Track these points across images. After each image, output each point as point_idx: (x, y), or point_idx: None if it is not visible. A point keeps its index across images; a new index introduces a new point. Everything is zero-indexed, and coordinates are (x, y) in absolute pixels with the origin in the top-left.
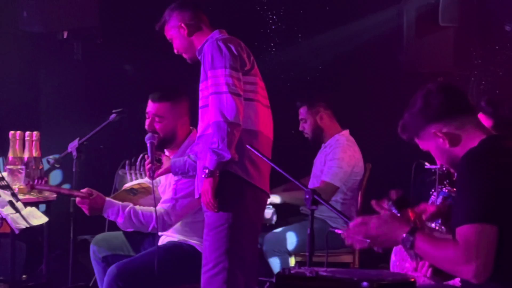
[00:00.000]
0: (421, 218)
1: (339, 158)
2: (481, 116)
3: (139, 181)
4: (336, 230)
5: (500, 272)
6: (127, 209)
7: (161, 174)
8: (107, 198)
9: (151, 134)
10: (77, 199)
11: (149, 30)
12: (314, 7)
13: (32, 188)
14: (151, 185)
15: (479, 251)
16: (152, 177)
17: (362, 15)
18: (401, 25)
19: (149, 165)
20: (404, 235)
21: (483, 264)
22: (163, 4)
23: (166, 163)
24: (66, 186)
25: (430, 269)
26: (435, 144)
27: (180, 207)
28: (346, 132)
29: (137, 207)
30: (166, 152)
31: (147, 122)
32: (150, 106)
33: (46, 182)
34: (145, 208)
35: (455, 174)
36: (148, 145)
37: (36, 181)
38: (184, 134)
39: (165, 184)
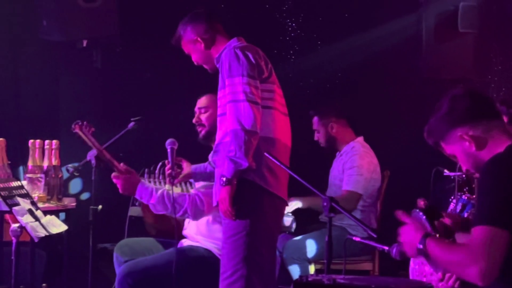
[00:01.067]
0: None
1: (358, 166)
2: None
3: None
4: (354, 238)
5: (507, 278)
6: (160, 190)
7: (181, 180)
8: (142, 180)
9: (172, 140)
10: (113, 174)
11: (168, 38)
12: (333, 15)
13: (80, 129)
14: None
15: (486, 252)
16: (172, 183)
17: (381, 22)
18: (420, 32)
19: (169, 170)
20: (419, 238)
21: (489, 266)
22: (182, 13)
23: (186, 169)
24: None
25: (457, 282)
26: (461, 147)
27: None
28: (360, 139)
29: (171, 191)
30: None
31: (194, 119)
32: (197, 104)
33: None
34: (179, 192)
35: (475, 180)
36: (168, 150)
37: (76, 126)
38: None
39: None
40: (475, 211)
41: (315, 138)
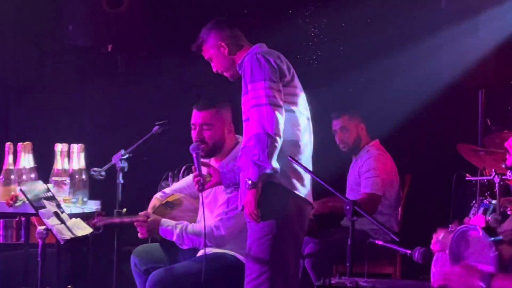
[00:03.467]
0: None
1: (374, 168)
2: None
3: (175, 188)
4: (376, 242)
5: None
6: (179, 228)
7: (211, 186)
8: (163, 219)
9: (196, 144)
10: (136, 223)
11: (193, 43)
12: (355, 20)
13: (94, 226)
14: (181, 194)
15: None
16: (201, 190)
17: (404, 28)
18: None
19: (198, 178)
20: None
21: None
22: (206, 17)
23: (215, 176)
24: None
25: None
26: None
27: (230, 218)
28: (376, 142)
29: (190, 225)
30: (213, 161)
31: (193, 133)
32: (196, 116)
33: (104, 216)
34: (196, 225)
35: (496, 181)
36: (194, 155)
37: (96, 219)
38: (231, 141)
39: (212, 194)
40: None
41: (338, 138)
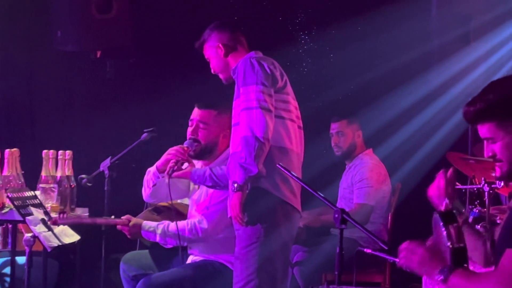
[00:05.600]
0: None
1: (367, 178)
2: None
3: None
4: (365, 250)
5: None
6: (161, 228)
7: (178, 176)
8: (144, 222)
9: (191, 142)
10: (118, 226)
11: (182, 49)
12: (346, 27)
13: (55, 223)
14: (177, 201)
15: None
16: (169, 175)
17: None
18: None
19: (173, 164)
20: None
21: None
22: (195, 24)
23: (188, 168)
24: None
25: None
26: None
27: (213, 212)
28: (369, 151)
29: (171, 224)
30: (200, 164)
31: (189, 129)
32: (195, 113)
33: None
34: (179, 222)
35: (485, 190)
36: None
37: (59, 215)
38: (224, 147)
39: (201, 193)
40: (504, 232)
41: (334, 141)
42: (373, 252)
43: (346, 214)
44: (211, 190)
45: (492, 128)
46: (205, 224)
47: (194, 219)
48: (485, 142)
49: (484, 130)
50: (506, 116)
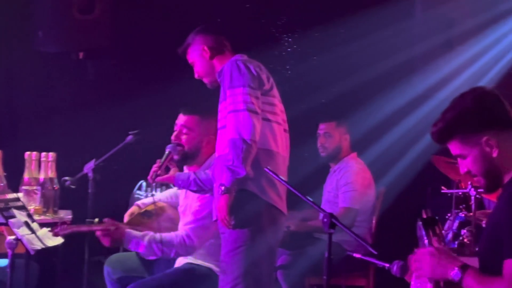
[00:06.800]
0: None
1: (352, 181)
2: None
3: (151, 200)
4: (354, 254)
5: None
6: (147, 238)
7: (162, 180)
8: (127, 230)
9: (173, 145)
10: (97, 232)
11: (163, 51)
12: (329, 30)
13: (56, 235)
14: (166, 203)
15: None
16: (153, 180)
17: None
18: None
19: (156, 168)
20: (455, 270)
21: None
22: (177, 26)
23: (171, 173)
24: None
25: None
26: (481, 151)
27: (202, 228)
28: (354, 155)
29: (157, 234)
30: (186, 169)
31: (174, 134)
32: (180, 118)
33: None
34: (166, 235)
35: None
36: (166, 152)
37: (58, 228)
38: (208, 153)
39: (185, 204)
40: (507, 241)
41: (320, 142)
42: (363, 257)
43: (335, 218)
44: (194, 204)
45: (457, 145)
46: (194, 241)
47: (183, 234)
48: (458, 159)
49: (452, 148)
50: (466, 131)
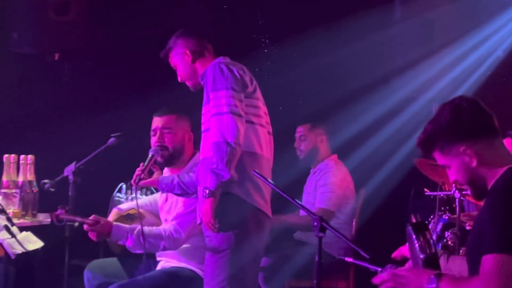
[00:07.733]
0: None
1: (330, 183)
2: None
3: (133, 204)
4: (346, 259)
5: None
6: (135, 231)
7: (146, 184)
8: (115, 223)
9: (156, 149)
10: (85, 226)
11: (140, 52)
12: (307, 31)
13: (57, 218)
14: (145, 210)
15: (500, 281)
16: (136, 183)
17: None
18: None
19: (139, 172)
20: (430, 279)
21: None
22: (154, 28)
23: (155, 176)
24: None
25: None
26: (461, 161)
27: (188, 222)
28: (334, 157)
29: (146, 228)
30: (168, 171)
31: (153, 139)
32: (157, 122)
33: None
34: (153, 228)
35: (456, 200)
36: (149, 156)
37: (59, 211)
38: (190, 152)
39: (172, 202)
40: (487, 238)
41: (296, 145)
42: (355, 262)
43: (325, 222)
44: (180, 200)
45: (440, 155)
46: (182, 234)
47: (170, 228)
48: (446, 169)
49: (437, 158)
50: (445, 142)
